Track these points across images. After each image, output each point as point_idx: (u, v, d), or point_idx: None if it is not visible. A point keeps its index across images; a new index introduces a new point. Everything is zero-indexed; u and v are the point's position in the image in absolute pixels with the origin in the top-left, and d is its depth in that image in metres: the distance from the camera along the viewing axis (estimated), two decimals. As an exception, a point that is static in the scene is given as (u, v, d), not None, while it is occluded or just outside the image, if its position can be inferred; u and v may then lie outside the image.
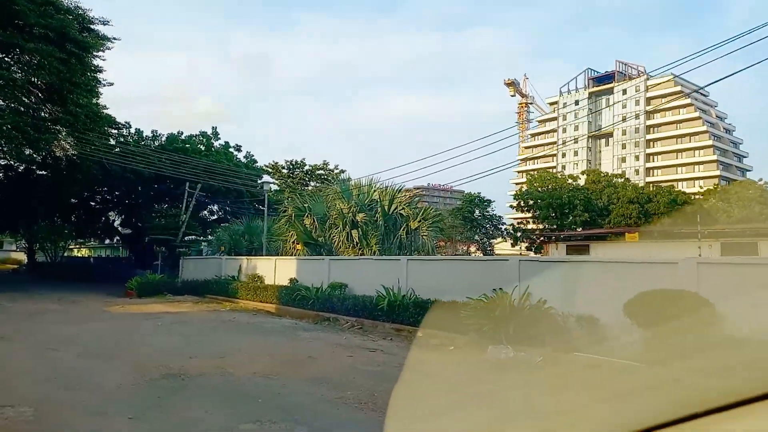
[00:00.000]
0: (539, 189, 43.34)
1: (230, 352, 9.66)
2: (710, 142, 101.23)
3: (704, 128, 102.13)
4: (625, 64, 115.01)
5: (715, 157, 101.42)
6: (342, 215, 21.24)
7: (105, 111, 30.64)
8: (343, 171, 59.27)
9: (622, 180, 43.70)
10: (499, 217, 41.96)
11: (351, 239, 20.97)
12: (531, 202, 43.57)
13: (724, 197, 46.02)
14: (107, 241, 55.63)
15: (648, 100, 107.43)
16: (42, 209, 37.22)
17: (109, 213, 44.49)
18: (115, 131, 36.77)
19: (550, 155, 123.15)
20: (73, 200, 41.30)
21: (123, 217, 44.22)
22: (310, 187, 57.67)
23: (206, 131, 44.80)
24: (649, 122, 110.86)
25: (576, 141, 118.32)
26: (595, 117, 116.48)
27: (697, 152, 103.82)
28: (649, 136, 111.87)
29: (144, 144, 39.88)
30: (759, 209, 45.39)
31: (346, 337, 12.15)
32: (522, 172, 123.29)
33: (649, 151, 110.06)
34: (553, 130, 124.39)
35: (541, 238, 32.96)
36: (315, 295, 16.58)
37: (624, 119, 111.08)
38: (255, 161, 43.82)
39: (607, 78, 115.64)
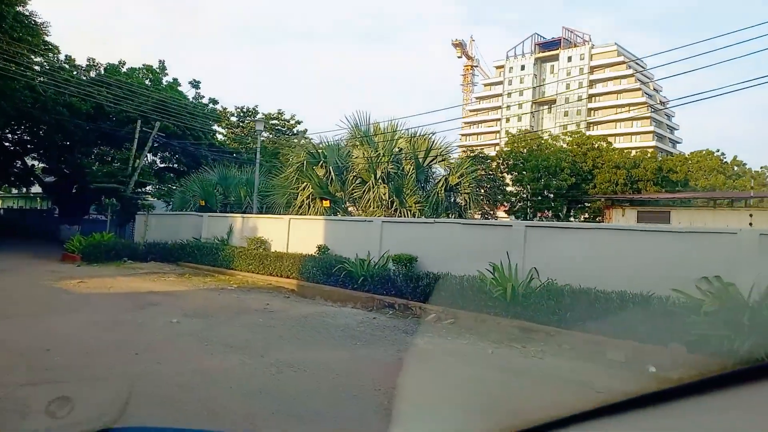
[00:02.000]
0: (522, 150, 40.08)
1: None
2: (648, 113, 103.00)
3: (643, 99, 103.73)
4: (571, 31, 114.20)
5: (652, 128, 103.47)
6: (371, 166, 16.52)
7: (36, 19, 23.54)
8: (299, 122, 53.57)
9: (606, 144, 41.36)
10: (501, 177, 38.32)
11: (379, 197, 16.38)
12: (512, 163, 40.24)
13: (691, 167, 45.02)
14: (24, 191, 46.72)
15: (591, 69, 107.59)
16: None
17: (26, 156, 36.58)
18: (40, 58, 29.18)
19: (494, 120, 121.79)
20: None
21: (46, 161, 36.51)
22: (263, 139, 51.65)
23: (152, 65, 37.56)
24: (591, 91, 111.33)
25: (520, 106, 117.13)
26: (539, 82, 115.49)
27: (635, 123, 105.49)
28: (590, 105, 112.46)
29: (77, 75, 32.41)
30: (722, 179, 44.85)
31: (494, 351, 7.60)
32: (466, 135, 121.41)
33: (590, 119, 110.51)
34: (499, 95, 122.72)
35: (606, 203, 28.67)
36: (366, 271, 12.02)
37: (568, 87, 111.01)
38: (216, 101, 37.37)
39: (553, 44, 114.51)
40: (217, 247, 17.07)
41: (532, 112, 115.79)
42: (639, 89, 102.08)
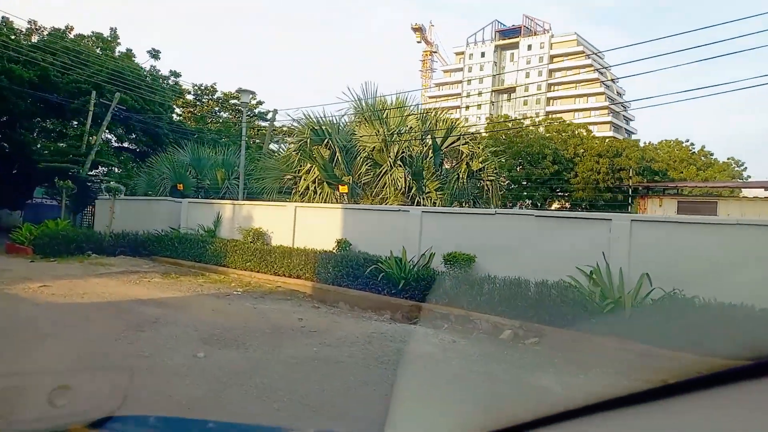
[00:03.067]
0: (503, 137, 38.49)
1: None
2: (606, 103, 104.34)
3: (601, 90, 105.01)
4: (532, 19, 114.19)
5: (609, 119, 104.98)
6: (385, 146, 14.17)
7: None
8: (261, 102, 50.34)
9: (585, 132, 40.37)
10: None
11: (393, 182, 14.08)
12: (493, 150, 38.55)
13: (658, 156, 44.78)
14: None
15: (551, 58, 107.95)
16: None
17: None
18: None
19: (454, 107, 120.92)
20: None
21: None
22: (220, 120, 48.11)
23: (102, 33, 33.48)
24: (550, 80, 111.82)
25: (480, 94, 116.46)
26: (499, 70, 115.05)
27: (592, 113, 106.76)
28: (549, 94, 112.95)
29: (16, 39, 28.22)
30: (694, 170, 44.94)
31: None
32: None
33: (548, 108, 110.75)
34: (459, 81, 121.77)
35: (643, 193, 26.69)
36: (407, 273, 9.78)
37: (527, 75, 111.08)
38: (179, 74, 33.71)
39: (514, 32, 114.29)
40: (203, 239, 14.32)
41: (491, 102, 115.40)
42: (597, 79, 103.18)
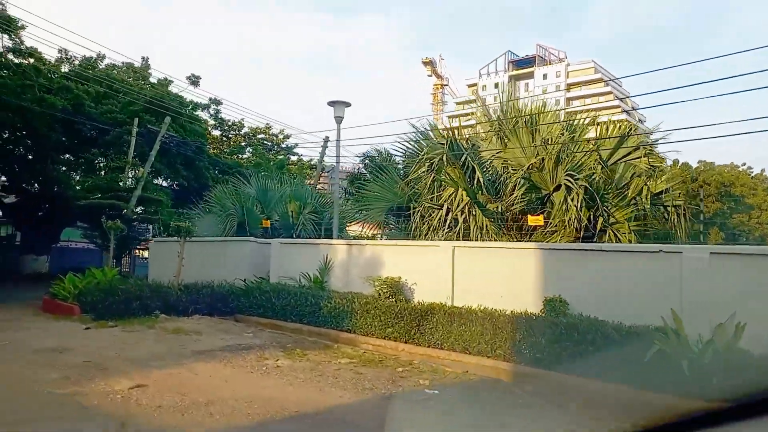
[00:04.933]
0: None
1: None
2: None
3: (623, 117, 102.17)
4: (546, 49, 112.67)
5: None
6: (548, 164, 10.53)
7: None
8: (288, 136, 47.28)
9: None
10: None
11: (563, 210, 10.39)
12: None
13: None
14: None
15: (568, 87, 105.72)
16: None
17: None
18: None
19: (466, 138, 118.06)
20: None
21: (8, 175, 28.59)
22: (245, 155, 44.90)
23: (132, 62, 30.46)
24: (568, 109, 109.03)
25: (494, 124, 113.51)
26: (514, 101, 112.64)
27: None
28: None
29: (47, 69, 25.10)
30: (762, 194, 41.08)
31: None
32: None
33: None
34: (472, 113, 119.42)
35: None
36: (704, 354, 5.98)
37: (544, 104, 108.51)
38: (219, 101, 30.55)
39: (527, 62, 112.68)
40: (311, 293, 10.54)
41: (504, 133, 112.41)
42: (618, 107, 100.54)
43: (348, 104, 13.76)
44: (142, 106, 24.69)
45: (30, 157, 24.50)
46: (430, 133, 13.61)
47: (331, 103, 13.64)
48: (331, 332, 9.80)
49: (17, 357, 7.59)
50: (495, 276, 8.93)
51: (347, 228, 17.05)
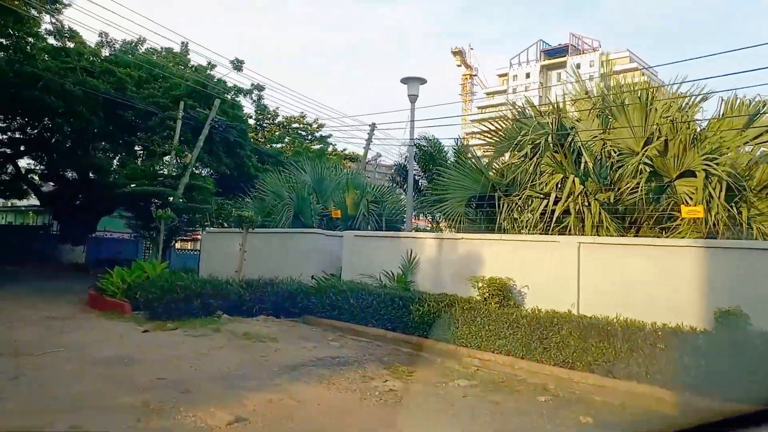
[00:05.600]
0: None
1: None
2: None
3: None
4: (579, 38, 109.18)
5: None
6: (673, 147, 8.87)
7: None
8: (322, 125, 45.88)
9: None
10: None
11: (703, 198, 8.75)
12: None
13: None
14: (11, 204, 37.36)
15: (602, 76, 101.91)
16: None
17: (20, 158, 27.85)
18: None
19: (496, 130, 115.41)
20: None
21: (47, 163, 27.82)
22: (279, 145, 43.59)
23: (172, 48, 29.31)
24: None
25: (524, 114, 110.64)
26: (545, 91, 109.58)
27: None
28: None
29: (88, 51, 24.04)
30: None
31: None
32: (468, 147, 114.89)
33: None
34: (503, 104, 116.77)
35: None
36: None
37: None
38: (262, 87, 29.27)
39: (560, 51, 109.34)
40: (398, 294, 9.14)
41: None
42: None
43: (423, 81, 12.28)
44: (184, 91, 23.54)
45: (69, 144, 23.57)
46: (528, 111, 12.02)
47: (405, 80, 12.17)
48: (425, 342, 8.38)
49: (78, 370, 6.35)
50: (635, 280, 7.39)
51: (415, 222, 15.61)
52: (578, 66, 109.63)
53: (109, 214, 28.54)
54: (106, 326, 9.60)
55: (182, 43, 29.21)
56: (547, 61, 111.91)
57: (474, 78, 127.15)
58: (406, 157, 15.70)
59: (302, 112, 45.82)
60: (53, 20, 21.18)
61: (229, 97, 25.31)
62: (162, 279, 11.59)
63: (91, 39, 28.13)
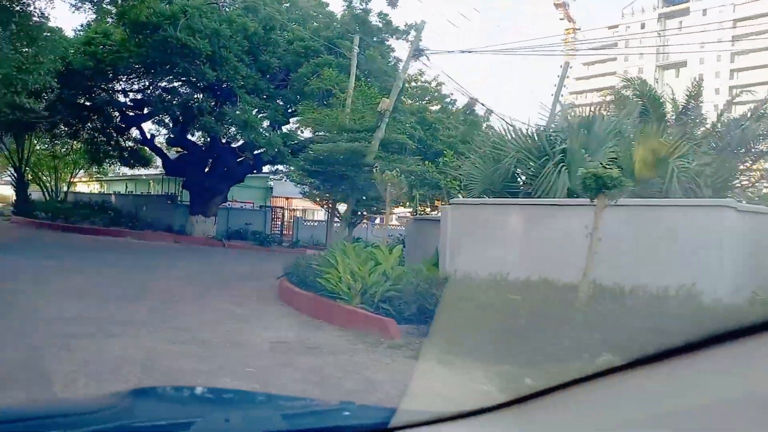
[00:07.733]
0: None
1: None
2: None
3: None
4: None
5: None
6: None
7: None
8: (441, 83, 40.04)
9: None
10: None
11: None
12: None
13: None
14: (138, 171, 35.01)
15: (734, 22, 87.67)
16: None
17: (143, 122, 24.92)
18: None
19: (607, 88, 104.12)
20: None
21: (170, 128, 24.69)
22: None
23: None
24: (735, 49, 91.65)
25: (641, 72, 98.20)
26: (664, 43, 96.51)
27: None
28: (733, 66, 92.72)
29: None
30: None
31: None
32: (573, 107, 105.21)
33: (731, 83, 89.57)
34: (613, 59, 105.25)
35: None
36: None
37: (702, 47, 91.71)
38: (420, 28, 24.32)
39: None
40: None
41: (655, 79, 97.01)
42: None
43: None
44: (337, 32, 19.04)
45: (207, 99, 19.80)
46: None
47: None
48: None
49: None
50: None
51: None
52: (704, 12, 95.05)
53: (241, 182, 25.20)
54: (395, 382, 5.05)
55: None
56: (666, 9, 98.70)
57: (577, 32, 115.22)
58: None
59: (420, 69, 40.41)
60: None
61: (388, 37, 20.54)
62: (414, 276, 7.01)
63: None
